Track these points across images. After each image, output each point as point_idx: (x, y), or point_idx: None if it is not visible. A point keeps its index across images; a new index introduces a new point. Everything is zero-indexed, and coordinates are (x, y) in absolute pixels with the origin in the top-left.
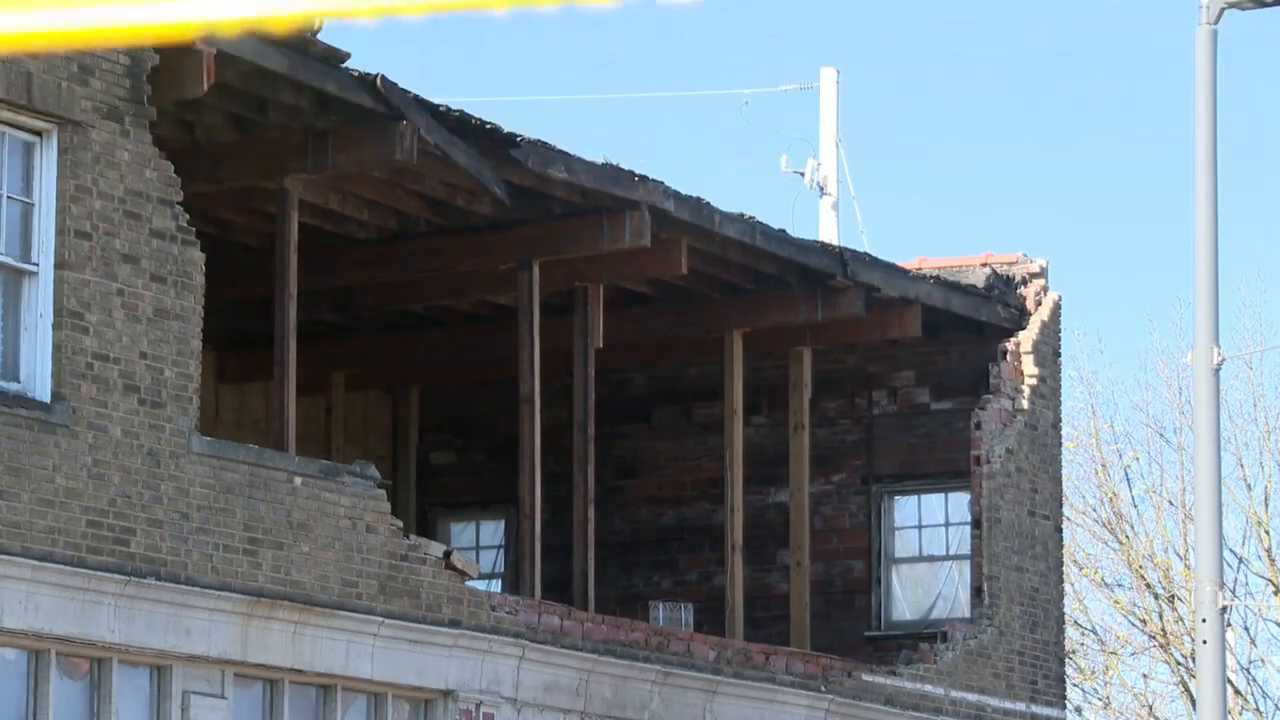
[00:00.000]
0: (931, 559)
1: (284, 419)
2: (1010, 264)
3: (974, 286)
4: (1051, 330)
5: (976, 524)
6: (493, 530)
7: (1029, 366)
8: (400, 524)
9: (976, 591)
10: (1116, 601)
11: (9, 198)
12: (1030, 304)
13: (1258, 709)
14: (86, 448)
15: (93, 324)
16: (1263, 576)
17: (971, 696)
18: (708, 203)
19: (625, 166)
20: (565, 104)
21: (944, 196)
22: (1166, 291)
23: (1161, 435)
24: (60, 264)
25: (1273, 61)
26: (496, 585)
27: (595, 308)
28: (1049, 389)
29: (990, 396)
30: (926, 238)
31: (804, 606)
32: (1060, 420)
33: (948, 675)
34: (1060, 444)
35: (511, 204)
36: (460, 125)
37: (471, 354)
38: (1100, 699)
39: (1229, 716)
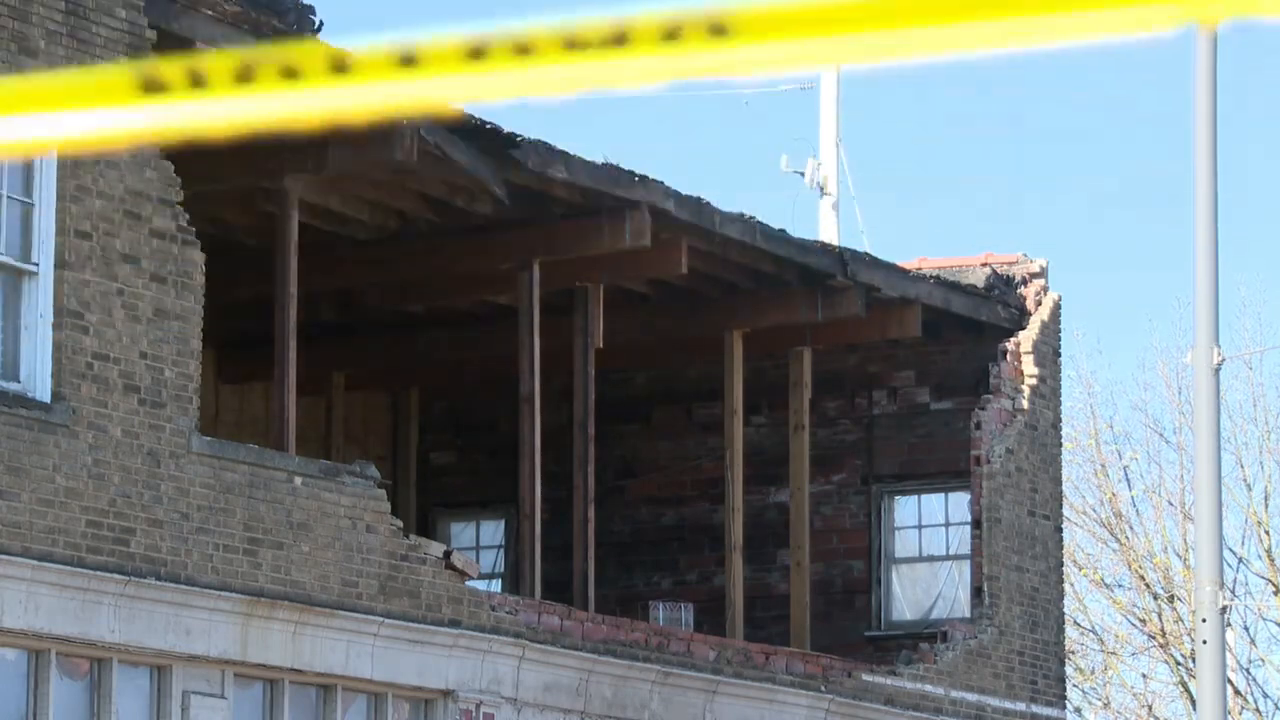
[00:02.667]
0: (931, 559)
1: (284, 419)
2: (1010, 264)
3: (974, 286)
4: (1051, 330)
5: (976, 524)
6: (493, 530)
7: (1029, 366)
8: (400, 524)
9: (976, 591)
10: (1116, 601)
11: (9, 198)
12: (1030, 304)
13: (1258, 709)
14: (86, 448)
15: (93, 324)
16: (1263, 576)
17: (971, 696)
18: (708, 203)
19: (625, 166)
20: (565, 104)
21: (944, 196)
22: (1166, 291)
23: (1161, 435)
24: (60, 264)
25: (1273, 62)
26: (496, 585)
27: (595, 308)
28: (1049, 389)
29: (990, 396)
30: (926, 238)
31: (804, 606)
32: (1060, 420)
33: (948, 675)
34: (1060, 444)
35: (511, 204)
36: (460, 125)
37: (471, 354)
38: (1100, 699)
39: (1229, 716)
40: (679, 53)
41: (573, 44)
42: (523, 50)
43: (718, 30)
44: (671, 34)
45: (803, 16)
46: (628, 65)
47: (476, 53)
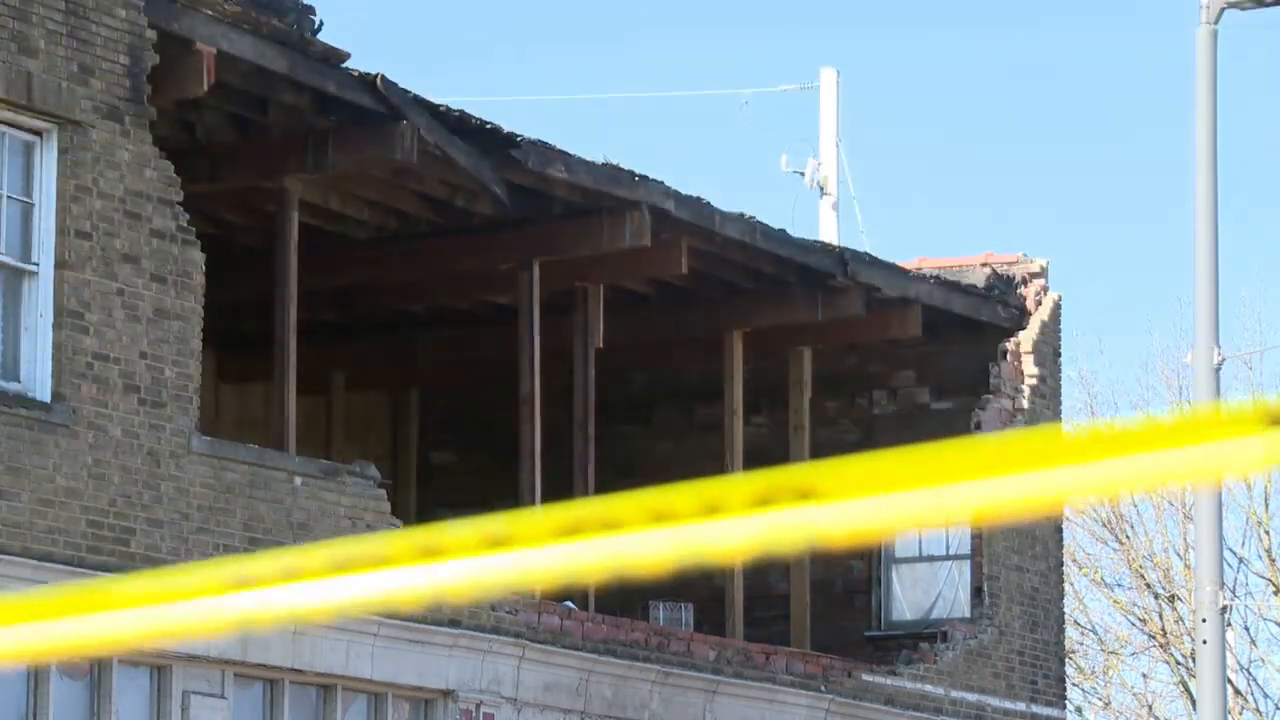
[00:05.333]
0: (931, 559)
1: (284, 419)
2: (1010, 264)
3: (974, 286)
4: (1051, 330)
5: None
6: None
7: (1029, 366)
8: (400, 524)
9: (976, 591)
10: (1116, 601)
11: (9, 198)
12: (1030, 304)
13: (1258, 709)
14: (86, 448)
15: (93, 324)
16: (1263, 576)
17: (971, 696)
18: (708, 203)
19: (625, 166)
20: (565, 104)
21: (944, 196)
22: (1166, 291)
23: None
24: (60, 264)
25: (1273, 61)
26: None
27: (595, 308)
28: (1049, 389)
29: (990, 396)
30: (926, 238)
31: (804, 606)
32: (1060, 420)
33: (948, 675)
34: None
35: (511, 204)
36: (460, 125)
37: (471, 354)
38: (1100, 699)
39: (1229, 716)
40: (767, 516)
41: (661, 515)
42: (611, 525)
43: (804, 494)
44: (761, 500)
45: (886, 476)
46: (717, 532)
47: (567, 527)
